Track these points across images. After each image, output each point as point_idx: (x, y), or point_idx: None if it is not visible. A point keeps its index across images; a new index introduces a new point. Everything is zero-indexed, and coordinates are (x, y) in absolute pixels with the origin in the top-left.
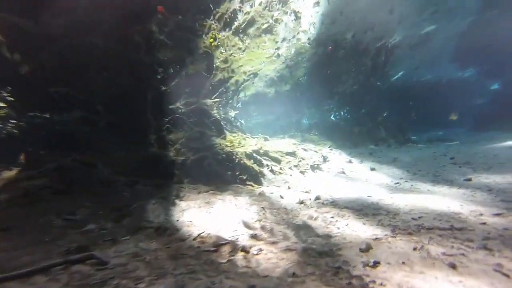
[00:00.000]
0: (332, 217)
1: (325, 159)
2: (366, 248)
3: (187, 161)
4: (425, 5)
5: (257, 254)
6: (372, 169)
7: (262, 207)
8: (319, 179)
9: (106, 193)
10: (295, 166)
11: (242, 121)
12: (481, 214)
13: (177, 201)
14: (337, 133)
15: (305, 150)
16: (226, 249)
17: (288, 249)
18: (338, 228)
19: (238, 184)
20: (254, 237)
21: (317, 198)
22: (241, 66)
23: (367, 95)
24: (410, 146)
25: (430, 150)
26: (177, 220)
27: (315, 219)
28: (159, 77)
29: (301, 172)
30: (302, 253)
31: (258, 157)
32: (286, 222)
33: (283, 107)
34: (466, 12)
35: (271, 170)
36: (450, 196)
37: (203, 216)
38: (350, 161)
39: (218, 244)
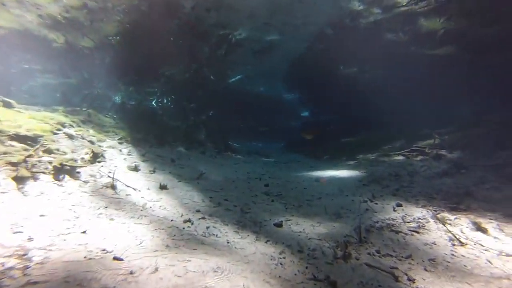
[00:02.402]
0: None
1: (96, 158)
2: None
3: None
4: (276, 10)
5: None
6: (163, 188)
7: None
8: (54, 199)
9: None
10: (15, 164)
11: None
12: None
13: None
14: (147, 123)
15: (70, 137)
16: None
17: None
18: None
19: None
20: None
21: None
22: None
23: (201, 88)
24: (228, 156)
25: (246, 167)
26: None
27: None
28: None
29: (19, 180)
30: None
31: None
32: None
33: (88, 71)
34: (305, 35)
35: None
36: (251, 264)
37: None
38: (136, 168)
39: None
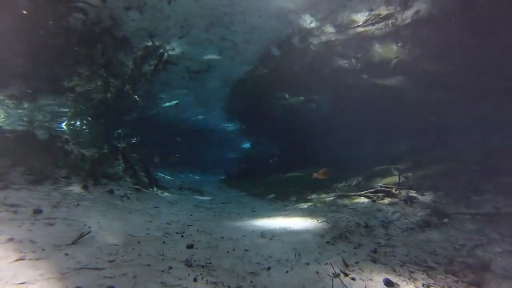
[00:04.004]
0: None
1: None
2: None
3: None
4: (215, 21)
5: None
6: None
7: None
8: None
9: None
10: None
11: None
12: None
13: None
14: (34, 150)
15: None
16: None
17: None
18: None
19: None
20: None
21: None
22: None
23: (128, 114)
24: (150, 194)
25: (169, 213)
26: None
27: None
28: None
29: None
30: None
31: None
32: None
33: None
34: (248, 56)
35: None
36: None
37: None
38: None
39: None
